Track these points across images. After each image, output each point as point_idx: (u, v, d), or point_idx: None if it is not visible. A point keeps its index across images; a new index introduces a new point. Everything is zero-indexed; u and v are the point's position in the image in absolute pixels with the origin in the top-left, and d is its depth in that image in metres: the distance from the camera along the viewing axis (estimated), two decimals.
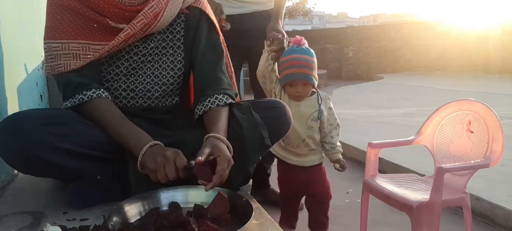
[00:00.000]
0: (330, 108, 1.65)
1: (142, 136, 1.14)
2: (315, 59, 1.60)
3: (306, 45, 1.62)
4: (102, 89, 1.21)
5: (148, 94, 1.29)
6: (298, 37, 1.63)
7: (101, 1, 1.20)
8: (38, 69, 2.17)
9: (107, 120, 1.17)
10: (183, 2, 1.30)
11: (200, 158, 1.02)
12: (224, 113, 1.24)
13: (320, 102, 1.61)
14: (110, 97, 1.24)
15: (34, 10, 2.18)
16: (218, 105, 1.26)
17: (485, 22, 8.04)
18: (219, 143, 1.10)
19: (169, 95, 1.36)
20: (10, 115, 1.12)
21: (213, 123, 1.20)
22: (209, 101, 1.27)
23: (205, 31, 1.36)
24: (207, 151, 1.05)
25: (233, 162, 1.08)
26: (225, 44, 1.44)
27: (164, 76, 1.31)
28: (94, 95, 1.19)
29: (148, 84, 1.29)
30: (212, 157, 1.05)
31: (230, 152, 1.12)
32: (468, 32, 8.05)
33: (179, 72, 1.34)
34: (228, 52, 1.47)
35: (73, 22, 1.20)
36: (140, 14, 1.21)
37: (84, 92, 1.18)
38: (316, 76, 1.60)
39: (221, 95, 1.28)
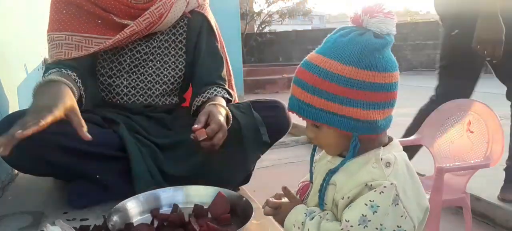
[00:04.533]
0: (377, 184, 0.65)
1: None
2: (368, 70, 0.67)
3: (374, 25, 0.68)
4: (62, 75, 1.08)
5: (148, 92, 1.31)
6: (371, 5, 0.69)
7: None
8: (38, 69, 2.17)
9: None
10: (186, 6, 1.32)
11: (196, 126, 1.04)
12: (222, 98, 1.25)
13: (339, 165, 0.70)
14: (71, 84, 1.07)
15: (34, 10, 2.18)
16: (216, 95, 1.27)
17: None
18: (214, 108, 1.12)
19: (169, 95, 1.37)
20: (9, 114, 1.13)
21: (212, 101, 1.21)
22: (208, 92, 1.28)
23: (206, 38, 1.38)
24: (203, 118, 1.07)
25: (226, 127, 1.10)
26: (225, 51, 1.45)
27: (165, 76, 1.33)
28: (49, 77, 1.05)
29: (149, 82, 1.31)
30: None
31: (229, 119, 1.15)
32: None
33: (180, 73, 1.36)
34: (228, 59, 1.48)
35: (78, 18, 1.22)
36: (146, 12, 1.23)
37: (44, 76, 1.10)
38: (358, 112, 0.67)
39: (220, 88, 1.30)
